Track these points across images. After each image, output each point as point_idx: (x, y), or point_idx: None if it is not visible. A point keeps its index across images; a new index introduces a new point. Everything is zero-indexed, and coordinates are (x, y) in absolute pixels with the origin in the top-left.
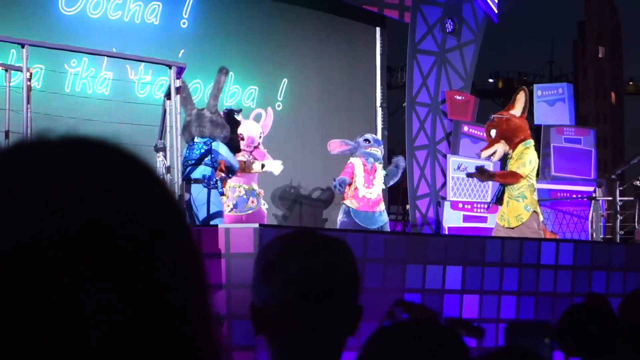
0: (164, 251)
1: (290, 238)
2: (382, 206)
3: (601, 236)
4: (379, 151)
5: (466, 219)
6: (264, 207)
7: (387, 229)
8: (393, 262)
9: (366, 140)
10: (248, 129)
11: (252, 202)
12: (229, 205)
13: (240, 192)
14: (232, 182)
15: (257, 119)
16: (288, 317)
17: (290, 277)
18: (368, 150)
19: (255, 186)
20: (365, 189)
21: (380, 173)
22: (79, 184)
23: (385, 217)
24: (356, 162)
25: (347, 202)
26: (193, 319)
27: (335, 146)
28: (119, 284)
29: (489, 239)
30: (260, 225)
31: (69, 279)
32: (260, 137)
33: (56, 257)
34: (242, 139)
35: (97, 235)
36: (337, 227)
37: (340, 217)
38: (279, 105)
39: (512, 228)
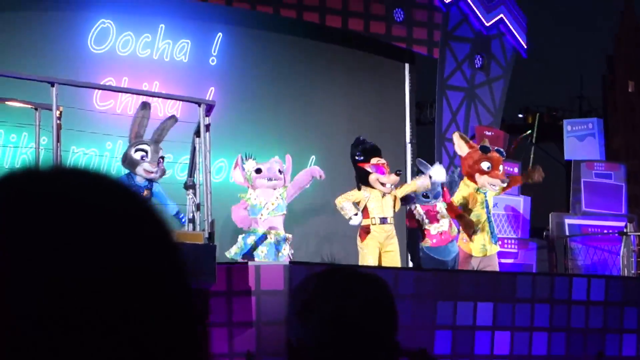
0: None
1: (325, 276)
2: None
3: (633, 272)
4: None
5: (499, 255)
6: (289, 252)
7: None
8: (424, 298)
9: (425, 195)
10: (266, 166)
11: (285, 249)
12: (263, 252)
13: (271, 238)
14: (260, 227)
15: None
16: (325, 357)
17: (327, 317)
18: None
19: (281, 232)
20: (435, 227)
21: (441, 206)
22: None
23: (456, 247)
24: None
25: (422, 244)
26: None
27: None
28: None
29: (520, 274)
30: (290, 262)
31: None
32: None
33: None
34: (259, 171)
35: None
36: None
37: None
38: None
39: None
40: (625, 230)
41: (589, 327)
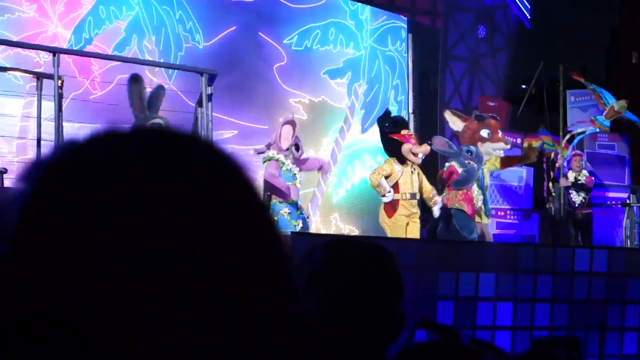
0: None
1: (333, 248)
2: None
3: (636, 243)
4: (476, 167)
5: (499, 225)
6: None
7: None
8: (426, 269)
9: (469, 151)
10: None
11: (298, 223)
12: (299, 224)
13: (300, 208)
14: (290, 199)
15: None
16: (331, 330)
17: (334, 291)
18: (467, 161)
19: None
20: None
21: (476, 189)
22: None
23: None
24: (457, 167)
25: (457, 205)
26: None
27: (439, 143)
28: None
29: (522, 245)
30: (293, 232)
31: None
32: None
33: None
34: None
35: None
36: (437, 233)
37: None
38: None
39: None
40: (628, 202)
41: (591, 298)
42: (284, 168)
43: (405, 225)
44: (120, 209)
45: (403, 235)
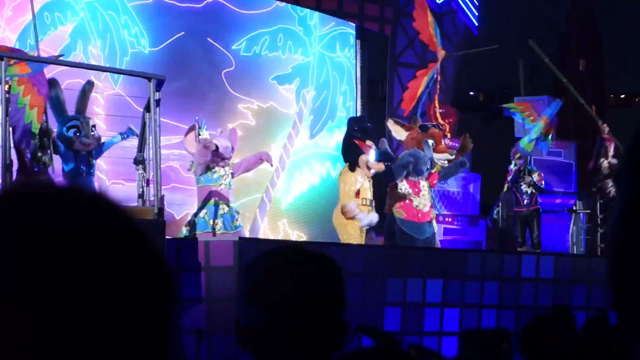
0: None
1: (274, 257)
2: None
3: (582, 249)
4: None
5: (447, 232)
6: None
7: (436, 238)
8: (374, 275)
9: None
10: (220, 142)
11: (237, 220)
12: (217, 224)
13: (224, 209)
14: (212, 198)
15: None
16: (273, 339)
17: (275, 301)
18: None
19: (233, 205)
20: (417, 200)
21: (425, 185)
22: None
23: (432, 228)
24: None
25: (396, 214)
26: None
27: (383, 147)
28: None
29: (470, 252)
30: (240, 238)
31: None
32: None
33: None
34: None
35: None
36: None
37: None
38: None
39: None
40: (574, 208)
41: (538, 304)
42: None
43: (359, 229)
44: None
45: (358, 238)
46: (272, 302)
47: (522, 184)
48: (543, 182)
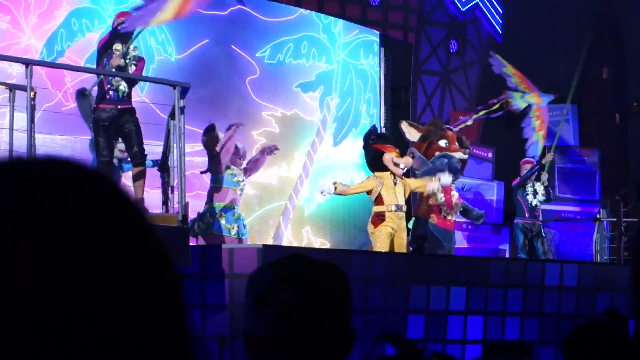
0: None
1: (279, 267)
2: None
3: (605, 257)
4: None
5: (470, 239)
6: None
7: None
8: (397, 281)
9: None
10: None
11: (245, 227)
12: (234, 228)
13: (237, 213)
14: (229, 201)
15: None
16: (280, 348)
17: (281, 310)
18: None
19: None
20: (445, 211)
21: (456, 195)
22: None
23: (455, 238)
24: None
25: (430, 220)
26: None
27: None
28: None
29: (493, 259)
30: (264, 245)
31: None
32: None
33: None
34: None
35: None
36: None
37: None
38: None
39: None
40: (598, 216)
41: (561, 312)
42: (227, 172)
43: (389, 236)
44: None
45: (386, 247)
46: (278, 312)
47: (529, 192)
48: (550, 190)
